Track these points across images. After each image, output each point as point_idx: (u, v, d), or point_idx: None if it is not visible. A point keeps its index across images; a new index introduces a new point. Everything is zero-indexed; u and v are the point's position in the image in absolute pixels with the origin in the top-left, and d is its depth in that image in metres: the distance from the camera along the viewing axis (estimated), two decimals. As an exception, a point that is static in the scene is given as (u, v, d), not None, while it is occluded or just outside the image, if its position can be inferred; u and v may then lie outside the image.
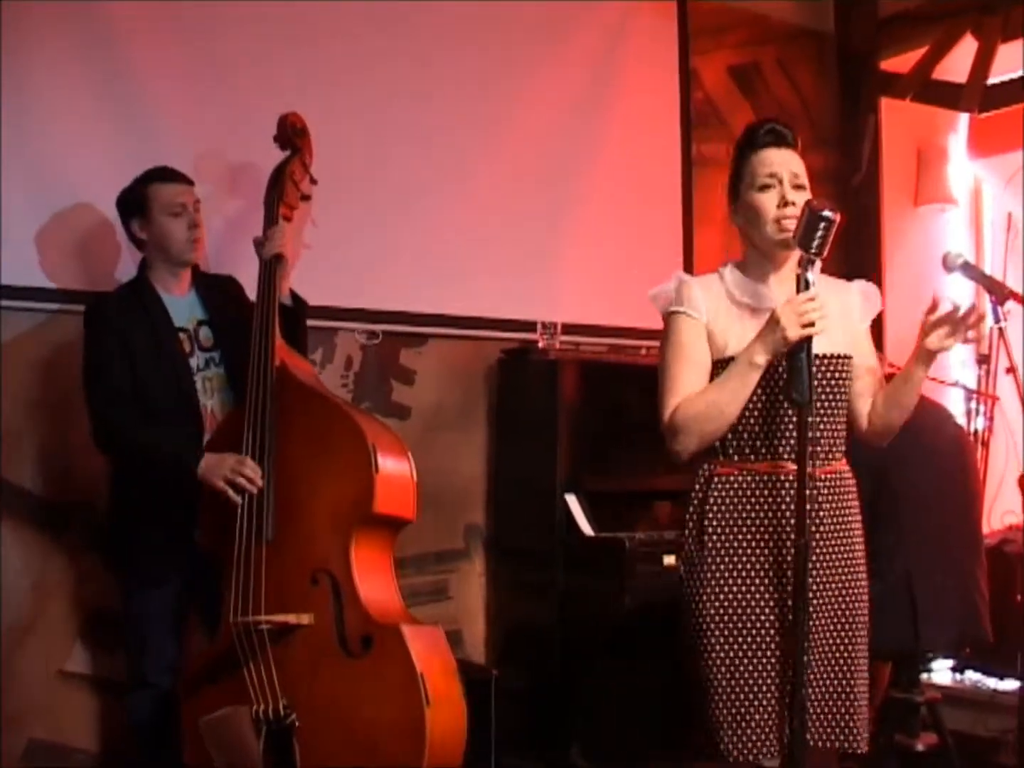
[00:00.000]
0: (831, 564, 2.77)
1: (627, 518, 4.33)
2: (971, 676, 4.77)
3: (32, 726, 3.80)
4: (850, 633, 2.79)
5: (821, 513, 2.75)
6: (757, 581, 2.73)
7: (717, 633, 2.73)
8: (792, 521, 2.69)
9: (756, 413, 2.74)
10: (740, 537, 2.75)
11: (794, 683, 2.58)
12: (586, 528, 4.23)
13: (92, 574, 3.87)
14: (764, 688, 2.71)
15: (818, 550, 2.73)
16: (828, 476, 2.78)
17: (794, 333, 2.55)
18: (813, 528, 2.68)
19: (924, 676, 4.15)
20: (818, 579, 2.73)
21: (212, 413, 3.58)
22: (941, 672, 4.81)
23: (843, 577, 2.79)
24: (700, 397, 2.70)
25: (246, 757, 3.17)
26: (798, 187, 2.75)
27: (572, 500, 4.28)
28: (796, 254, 2.65)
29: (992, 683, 4.61)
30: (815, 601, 2.70)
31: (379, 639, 3.16)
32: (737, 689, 2.71)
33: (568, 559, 4.28)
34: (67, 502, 3.89)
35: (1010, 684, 4.41)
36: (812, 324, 2.55)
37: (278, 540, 3.30)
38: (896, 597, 3.76)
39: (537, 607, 4.39)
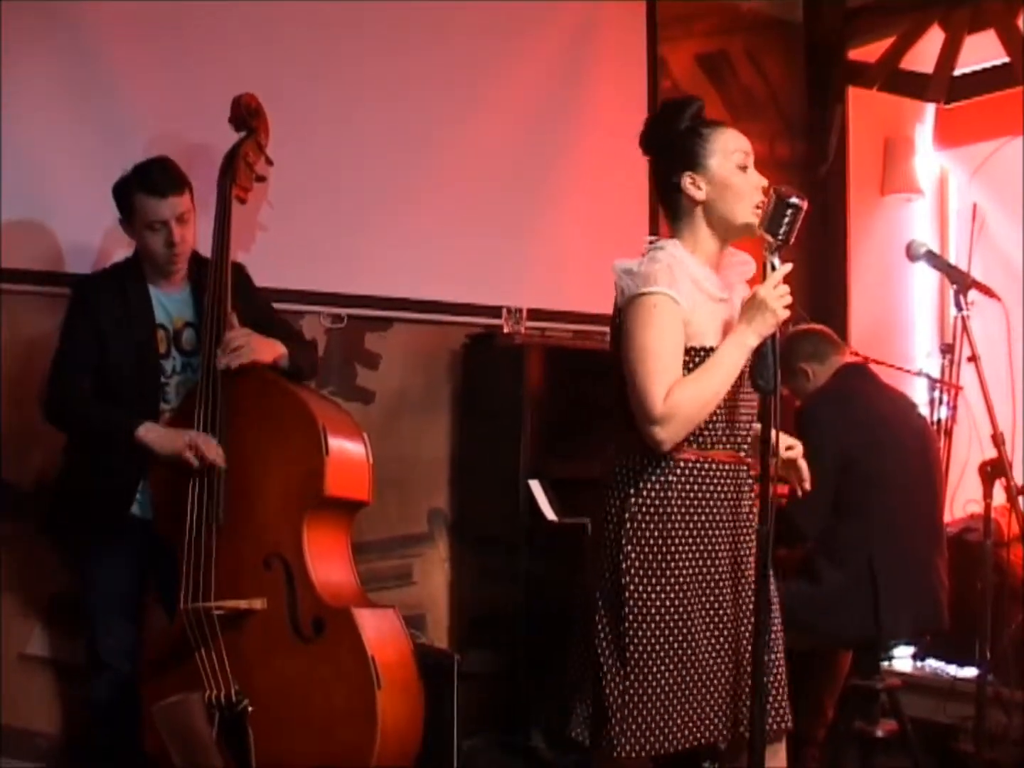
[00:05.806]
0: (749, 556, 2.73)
1: (591, 504, 4.31)
2: (931, 663, 4.79)
3: (-8, 710, 3.78)
4: (743, 626, 2.72)
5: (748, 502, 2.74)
6: (689, 570, 2.68)
7: (653, 627, 2.64)
8: (724, 512, 2.70)
9: None
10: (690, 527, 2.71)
11: (754, 670, 2.56)
12: (549, 513, 4.22)
13: (52, 558, 3.83)
14: (694, 679, 2.65)
15: (749, 541, 2.72)
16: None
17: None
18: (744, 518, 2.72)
19: (884, 663, 4.17)
20: (746, 571, 2.71)
21: None
22: (902, 659, 4.83)
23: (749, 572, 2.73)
24: (696, 384, 2.57)
25: (200, 743, 3.16)
26: None
27: (535, 485, 4.27)
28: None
29: (952, 670, 4.63)
30: (742, 594, 2.70)
31: (331, 622, 3.16)
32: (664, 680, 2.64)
33: (531, 544, 4.28)
34: (24, 486, 3.85)
35: (969, 671, 4.43)
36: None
37: (230, 525, 3.28)
38: (859, 586, 3.78)
39: (500, 592, 4.38)
